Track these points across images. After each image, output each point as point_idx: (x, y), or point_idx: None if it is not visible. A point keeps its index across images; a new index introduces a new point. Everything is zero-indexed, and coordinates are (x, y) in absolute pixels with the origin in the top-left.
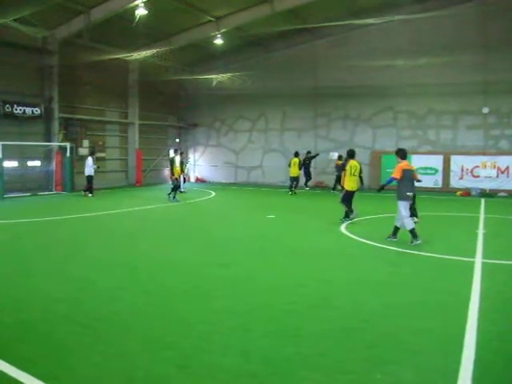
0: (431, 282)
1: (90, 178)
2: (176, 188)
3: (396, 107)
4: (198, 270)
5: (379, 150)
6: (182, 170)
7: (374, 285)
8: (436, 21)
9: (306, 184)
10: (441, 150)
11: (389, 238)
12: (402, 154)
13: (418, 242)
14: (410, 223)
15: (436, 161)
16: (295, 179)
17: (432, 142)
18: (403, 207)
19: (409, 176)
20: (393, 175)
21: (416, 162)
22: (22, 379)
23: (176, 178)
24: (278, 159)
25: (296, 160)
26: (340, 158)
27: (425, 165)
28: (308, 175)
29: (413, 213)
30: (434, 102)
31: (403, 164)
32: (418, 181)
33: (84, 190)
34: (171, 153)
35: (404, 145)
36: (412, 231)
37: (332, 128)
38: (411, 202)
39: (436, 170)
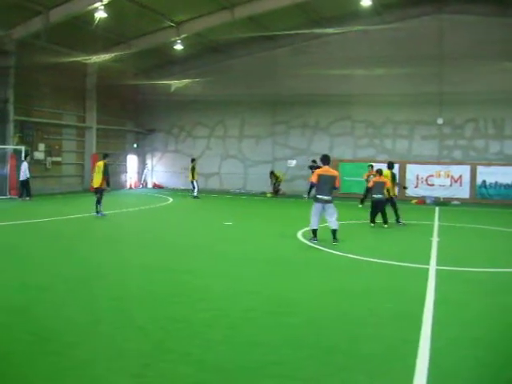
0: (386, 289)
1: (24, 183)
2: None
3: (354, 116)
4: (155, 275)
5: (337, 158)
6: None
7: (329, 292)
8: (394, 33)
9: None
10: (397, 159)
11: (311, 239)
12: (323, 160)
13: (314, 241)
14: (313, 225)
15: None
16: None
17: (388, 150)
18: (313, 207)
19: (325, 180)
20: (311, 180)
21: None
22: None
23: (99, 188)
24: (235, 166)
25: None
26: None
27: None
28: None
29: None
30: (391, 111)
31: (321, 169)
32: (335, 188)
33: (19, 196)
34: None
35: (361, 153)
36: (313, 231)
37: (290, 135)
38: (324, 204)
39: None
